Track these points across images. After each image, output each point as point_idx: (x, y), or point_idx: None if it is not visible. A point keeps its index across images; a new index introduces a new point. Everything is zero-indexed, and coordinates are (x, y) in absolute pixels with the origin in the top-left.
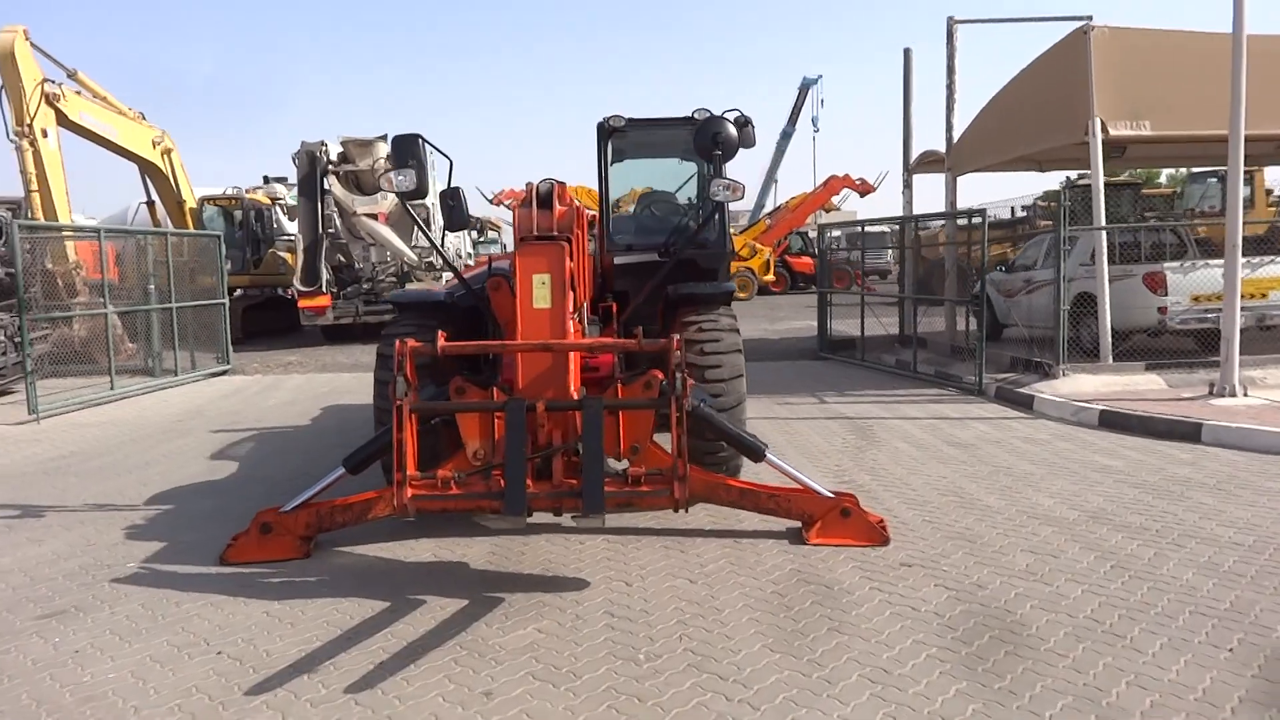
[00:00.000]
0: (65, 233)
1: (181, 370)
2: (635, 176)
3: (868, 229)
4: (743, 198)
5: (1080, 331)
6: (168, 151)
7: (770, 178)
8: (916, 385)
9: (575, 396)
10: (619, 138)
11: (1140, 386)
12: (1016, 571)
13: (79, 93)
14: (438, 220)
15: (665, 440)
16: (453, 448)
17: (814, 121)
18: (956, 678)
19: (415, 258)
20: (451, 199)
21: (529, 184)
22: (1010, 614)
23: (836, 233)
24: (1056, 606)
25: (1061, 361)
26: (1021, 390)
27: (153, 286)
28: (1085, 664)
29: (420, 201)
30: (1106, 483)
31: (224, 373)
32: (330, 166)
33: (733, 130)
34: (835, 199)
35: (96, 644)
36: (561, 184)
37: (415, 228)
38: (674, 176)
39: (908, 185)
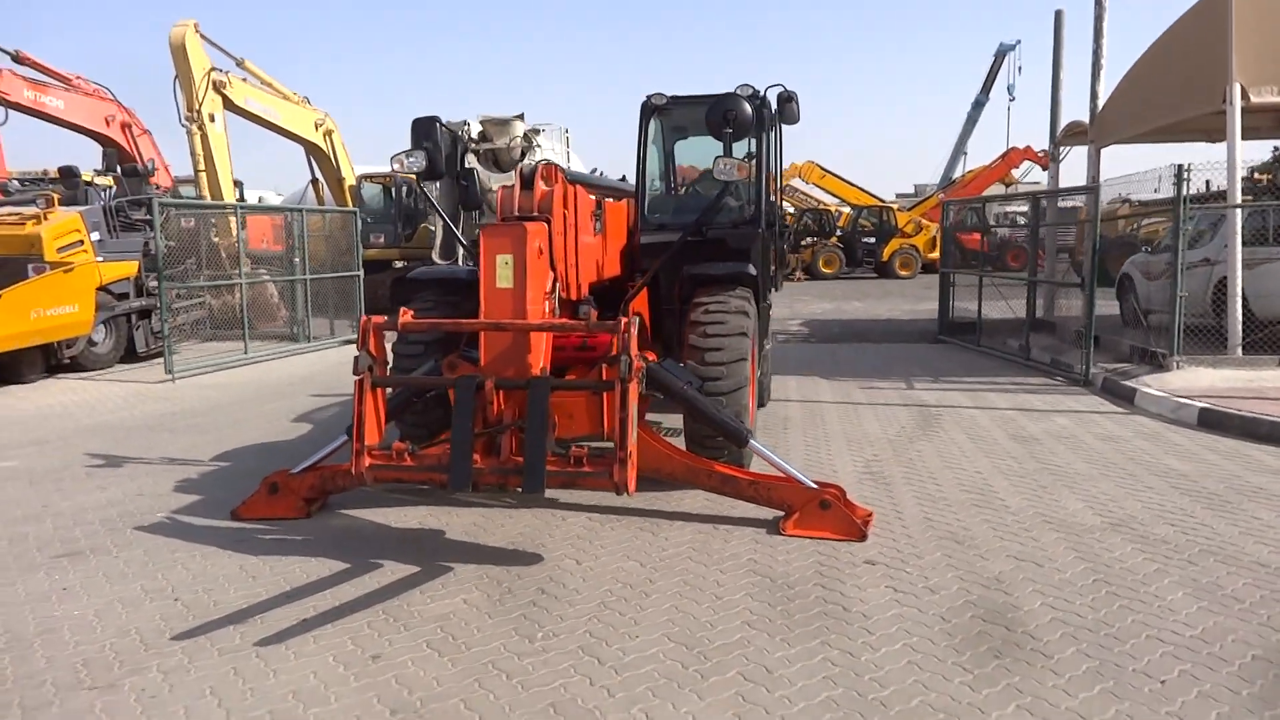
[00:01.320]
0: (208, 210)
1: (322, 337)
2: (698, 154)
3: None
4: (749, 178)
5: (1224, 320)
6: (329, 133)
7: (959, 149)
8: (1024, 373)
9: (537, 374)
10: (665, 115)
11: (1266, 384)
12: (984, 578)
13: (245, 79)
14: None
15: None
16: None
17: (1009, 90)
18: (835, 684)
19: None
20: (464, 179)
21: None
22: (945, 623)
23: (1014, 207)
24: (999, 618)
25: (1176, 352)
26: (1126, 383)
27: (298, 259)
28: (985, 682)
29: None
30: (1158, 488)
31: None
32: (471, 145)
33: (748, 109)
34: (1015, 172)
35: (85, 583)
36: (552, 165)
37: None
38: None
39: (1054, 159)
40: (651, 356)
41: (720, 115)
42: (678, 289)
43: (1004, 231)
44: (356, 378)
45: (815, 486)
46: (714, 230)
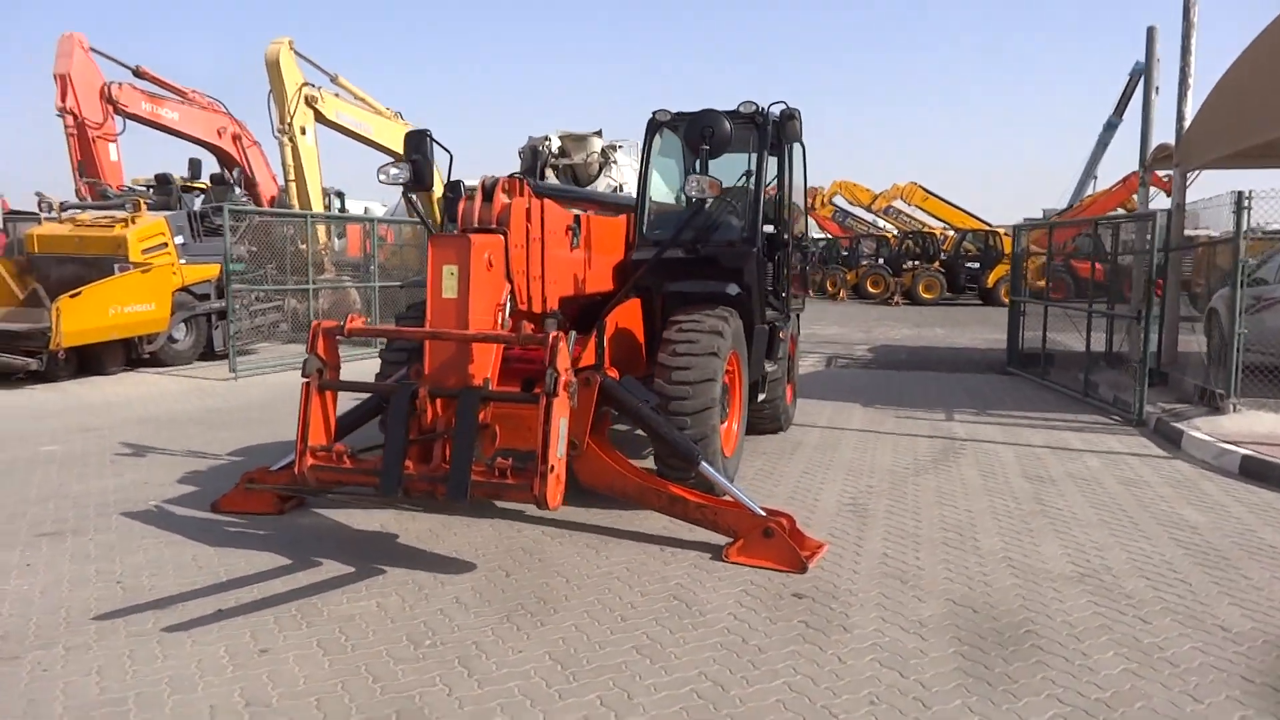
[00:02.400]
0: (269, 218)
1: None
2: (723, 171)
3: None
4: (720, 195)
5: None
6: None
7: (1089, 173)
8: (1082, 410)
9: (478, 384)
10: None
11: None
12: (907, 621)
13: (337, 94)
14: None
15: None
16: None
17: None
18: (688, 716)
19: None
20: (451, 191)
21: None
22: (839, 664)
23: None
24: (897, 664)
25: (1234, 393)
26: (1176, 424)
27: (373, 266)
28: None
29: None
30: (1156, 539)
31: None
32: (551, 160)
33: (726, 126)
34: (1136, 196)
35: (50, 562)
36: (517, 179)
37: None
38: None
39: (1144, 183)
40: (613, 373)
41: (698, 132)
42: (660, 306)
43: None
44: (304, 380)
45: (763, 514)
46: (709, 248)
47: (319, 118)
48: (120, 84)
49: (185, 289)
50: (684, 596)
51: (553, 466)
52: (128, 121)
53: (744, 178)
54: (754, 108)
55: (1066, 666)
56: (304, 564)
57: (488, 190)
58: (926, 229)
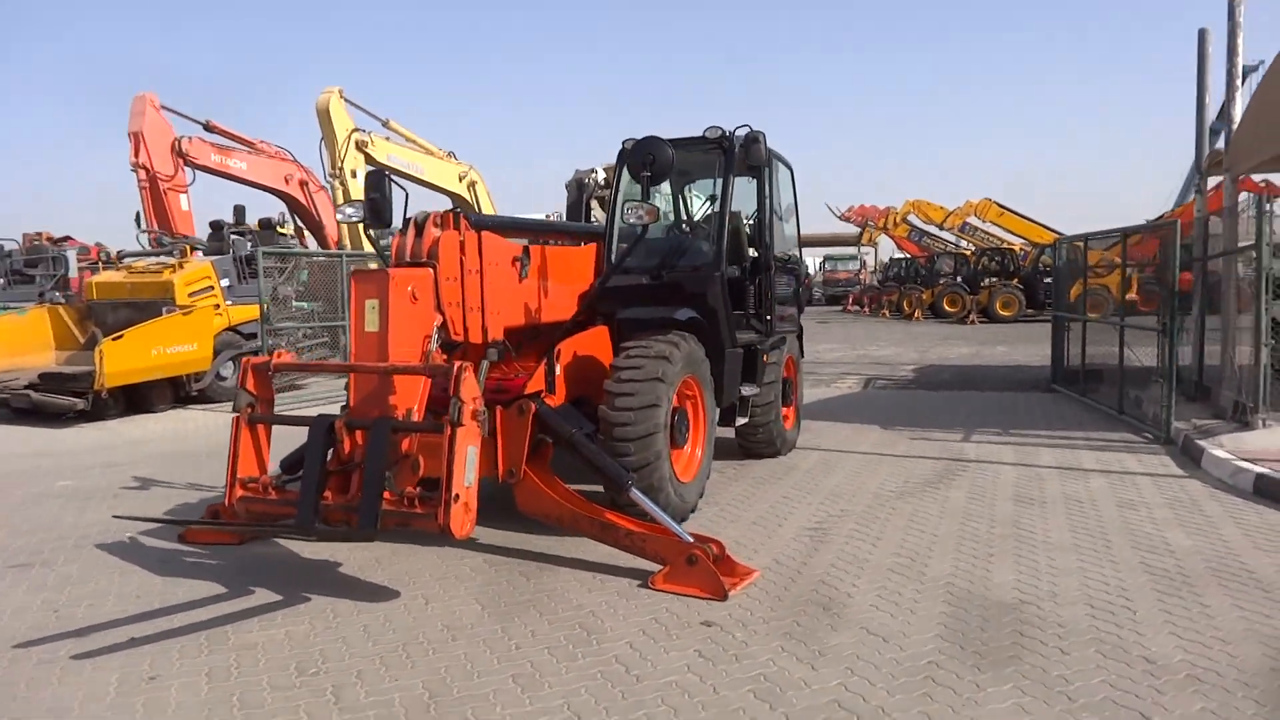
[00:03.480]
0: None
1: None
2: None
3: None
4: (658, 220)
5: None
6: (473, 184)
7: (1191, 180)
8: (1112, 428)
9: (401, 416)
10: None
11: None
12: (807, 651)
13: (388, 138)
14: None
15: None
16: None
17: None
18: None
19: None
20: (403, 231)
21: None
22: (714, 693)
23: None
24: (775, 697)
25: (1264, 405)
26: (1200, 442)
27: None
28: None
29: None
30: (1125, 564)
31: None
32: (597, 191)
33: (669, 153)
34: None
35: (6, 592)
36: (452, 213)
37: None
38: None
39: (1199, 191)
40: (553, 401)
41: (639, 158)
42: (616, 334)
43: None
44: (234, 415)
45: (689, 540)
46: (673, 274)
47: (369, 160)
48: (190, 138)
49: (232, 329)
50: (589, 624)
51: (458, 495)
52: (198, 173)
53: (708, 202)
54: (719, 132)
55: (952, 699)
56: (238, 592)
57: (419, 224)
58: (1005, 245)
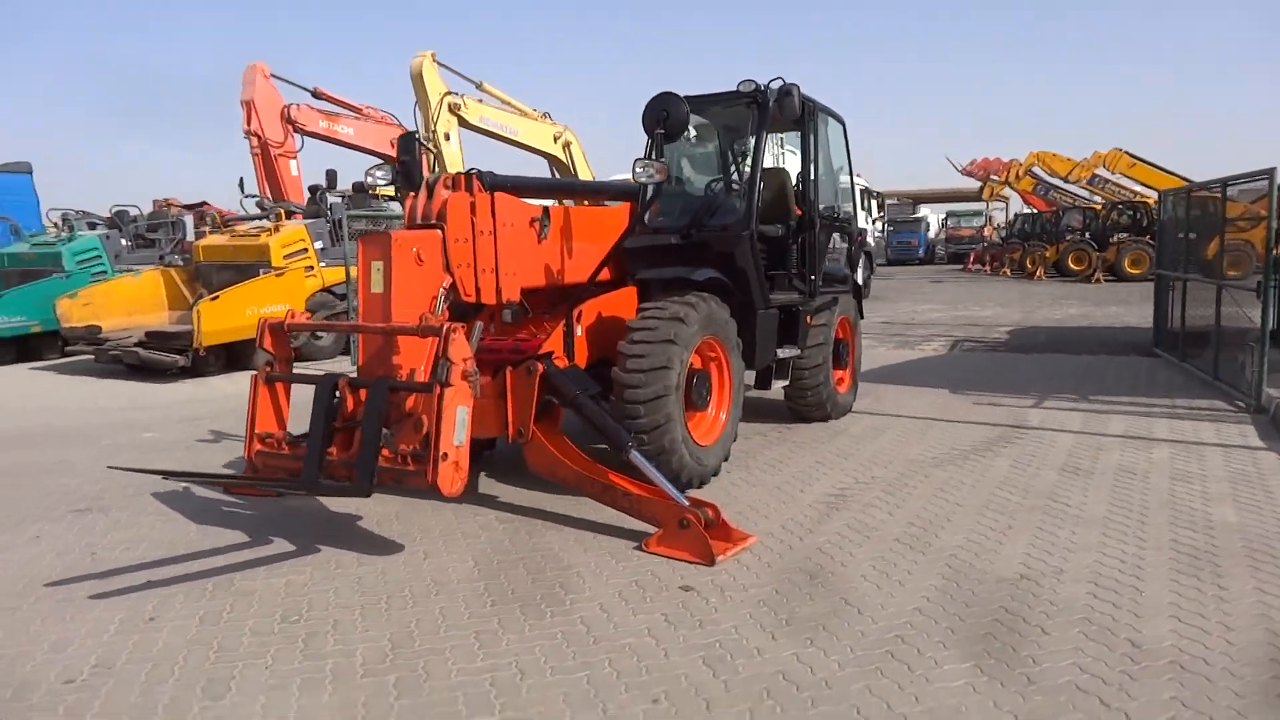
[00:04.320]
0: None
1: None
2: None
3: None
4: (667, 178)
5: None
6: (567, 145)
7: None
8: (1204, 395)
9: (405, 376)
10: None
11: None
12: (774, 620)
13: (481, 100)
14: None
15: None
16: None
17: None
18: (473, 702)
19: None
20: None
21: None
22: (666, 658)
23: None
24: (722, 665)
25: None
26: None
27: None
28: None
29: None
30: (1150, 542)
31: None
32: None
33: (683, 110)
34: None
35: (58, 535)
36: (465, 174)
37: None
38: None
39: None
40: (562, 362)
41: (654, 115)
42: (637, 295)
43: None
44: (253, 373)
45: (684, 504)
46: (702, 233)
47: (463, 123)
48: (299, 105)
49: (326, 289)
50: (570, 584)
51: (445, 454)
52: (306, 139)
53: (741, 158)
54: (752, 86)
55: (903, 675)
56: (258, 542)
57: (430, 186)
58: (1140, 198)
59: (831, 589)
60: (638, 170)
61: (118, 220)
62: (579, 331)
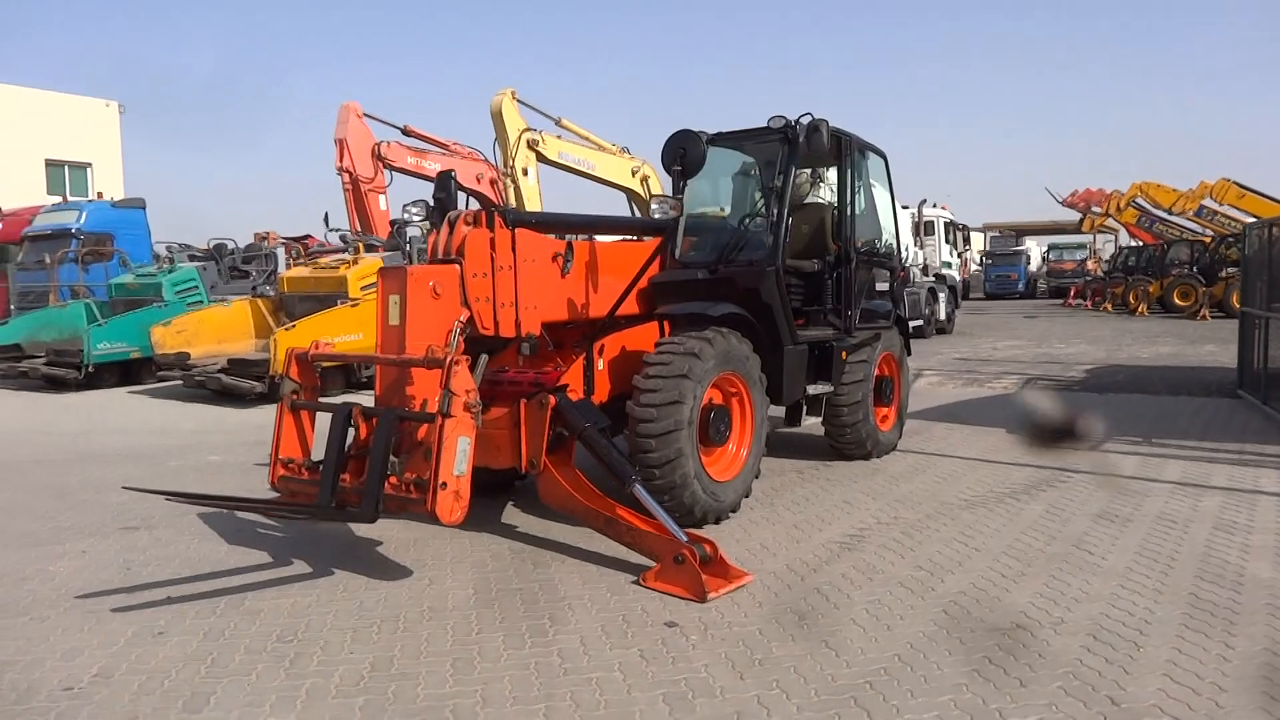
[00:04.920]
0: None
1: None
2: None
3: None
4: (681, 214)
5: None
6: (645, 179)
7: None
8: (1273, 441)
9: (417, 406)
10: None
11: None
12: (744, 660)
13: (559, 136)
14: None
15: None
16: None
17: None
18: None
19: None
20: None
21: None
22: (625, 696)
23: None
24: (671, 697)
25: None
26: None
27: None
28: None
29: None
30: (1167, 596)
31: None
32: None
33: (700, 148)
34: None
35: (102, 550)
36: (486, 211)
37: None
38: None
39: None
40: (575, 394)
41: (671, 153)
42: (661, 329)
43: None
44: (280, 401)
45: (682, 539)
46: (729, 269)
47: (541, 159)
48: (389, 143)
49: None
50: (558, 616)
51: (445, 483)
52: (395, 174)
53: (766, 194)
54: (783, 122)
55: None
56: (280, 563)
57: (451, 222)
58: None
59: (816, 631)
60: (654, 207)
61: (215, 253)
62: (600, 365)
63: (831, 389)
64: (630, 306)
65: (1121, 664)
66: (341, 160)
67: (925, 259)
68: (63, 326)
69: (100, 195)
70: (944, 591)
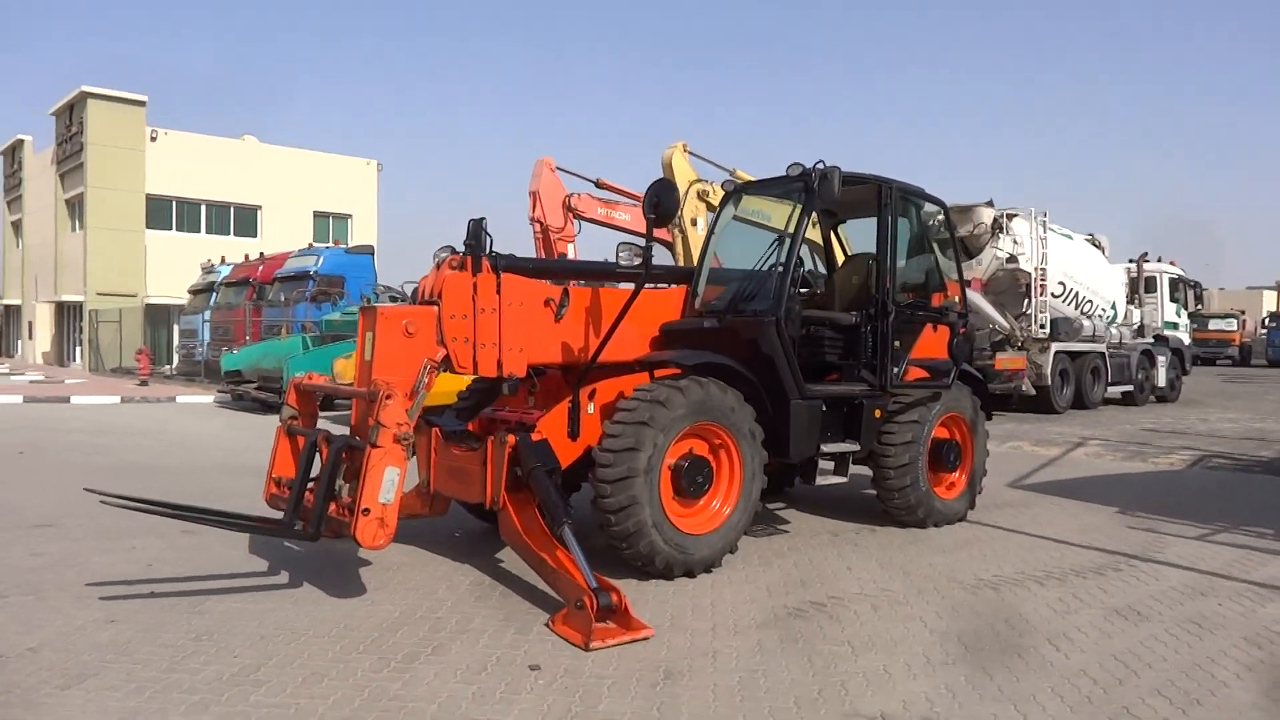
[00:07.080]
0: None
1: None
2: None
3: None
4: (643, 263)
5: None
6: (815, 224)
7: None
8: None
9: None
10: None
11: None
12: (563, 713)
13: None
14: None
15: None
16: None
17: None
18: None
19: (1008, 325)
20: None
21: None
22: None
23: None
24: None
25: None
26: None
27: None
28: None
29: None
30: (1103, 703)
31: None
32: None
33: (678, 196)
34: None
35: (139, 545)
36: (472, 255)
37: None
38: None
39: None
40: (540, 435)
41: (649, 201)
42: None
43: None
44: (278, 425)
45: (590, 585)
46: (734, 319)
47: (710, 209)
48: (579, 194)
49: None
50: (443, 645)
51: (368, 510)
52: (584, 224)
53: (775, 244)
54: (800, 169)
55: None
56: (273, 571)
57: (438, 265)
58: None
59: (658, 696)
60: (621, 252)
61: (411, 295)
62: (591, 409)
63: (857, 448)
64: (643, 352)
65: None
66: (534, 211)
67: (1143, 318)
68: (279, 356)
69: (337, 243)
70: (833, 676)
